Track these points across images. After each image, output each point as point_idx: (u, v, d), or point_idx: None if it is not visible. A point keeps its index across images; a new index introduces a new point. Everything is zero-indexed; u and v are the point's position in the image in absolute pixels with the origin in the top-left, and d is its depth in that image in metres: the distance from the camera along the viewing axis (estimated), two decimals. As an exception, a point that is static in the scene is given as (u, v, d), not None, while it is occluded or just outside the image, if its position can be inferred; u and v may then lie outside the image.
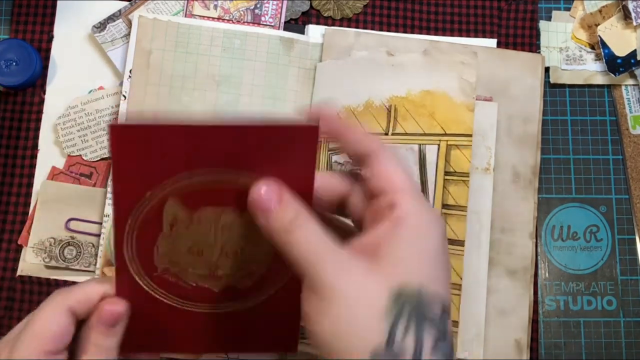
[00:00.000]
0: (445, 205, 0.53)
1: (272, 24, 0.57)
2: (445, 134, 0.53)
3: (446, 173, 0.53)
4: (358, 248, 0.32)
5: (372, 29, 0.58)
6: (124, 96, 0.55)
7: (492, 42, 0.58)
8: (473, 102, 0.54)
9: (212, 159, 0.33)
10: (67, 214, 0.55)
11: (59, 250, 0.54)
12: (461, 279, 0.52)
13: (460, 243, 0.52)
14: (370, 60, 0.55)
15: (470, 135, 0.53)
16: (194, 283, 0.37)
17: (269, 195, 0.32)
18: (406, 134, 0.54)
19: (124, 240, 0.35)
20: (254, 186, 0.32)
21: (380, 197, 0.33)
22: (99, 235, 0.54)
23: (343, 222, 0.37)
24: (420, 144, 0.54)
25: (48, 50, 0.57)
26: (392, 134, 0.54)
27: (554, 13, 0.59)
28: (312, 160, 0.33)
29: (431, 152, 0.53)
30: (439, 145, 0.53)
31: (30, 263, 0.54)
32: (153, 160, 0.33)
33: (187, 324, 0.38)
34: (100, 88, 0.56)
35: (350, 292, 0.30)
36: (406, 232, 0.31)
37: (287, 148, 0.33)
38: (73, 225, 0.55)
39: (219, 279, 0.37)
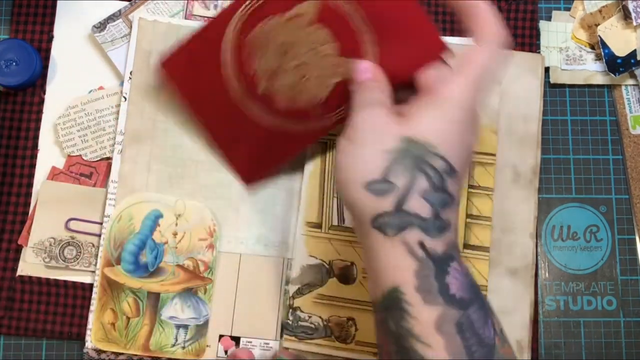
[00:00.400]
0: (469, 215, 0.54)
1: (272, 24, 0.57)
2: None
3: (470, 186, 0.54)
4: (403, 110, 0.39)
5: (372, 29, 0.58)
6: (125, 97, 0.55)
7: (492, 42, 0.58)
8: (496, 127, 0.54)
9: None
10: (67, 214, 0.55)
11: (59, 250, 0.54)
12: (487, 280, 0.53)
13: (485, 249, 0.53)
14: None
15: (494, 155, 0.54)
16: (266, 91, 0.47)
17: (370, 70, 0.42)
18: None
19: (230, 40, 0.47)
20: (360, 61, 0.42)
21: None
22: (99, 235, 0.54)
23: None
24: None
25: (48, 50, 0.57)
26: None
27: (554, 13, 0.59)
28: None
29: None
30: None
31: (30, 263, 0.54)
32: None
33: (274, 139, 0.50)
34: (100, 88, 0.56)
35: (369, 136, 0.37)
36: (438, 103, 0.38)
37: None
38: (73, 225, 0.55)
39: (297, 91, 0.46)
